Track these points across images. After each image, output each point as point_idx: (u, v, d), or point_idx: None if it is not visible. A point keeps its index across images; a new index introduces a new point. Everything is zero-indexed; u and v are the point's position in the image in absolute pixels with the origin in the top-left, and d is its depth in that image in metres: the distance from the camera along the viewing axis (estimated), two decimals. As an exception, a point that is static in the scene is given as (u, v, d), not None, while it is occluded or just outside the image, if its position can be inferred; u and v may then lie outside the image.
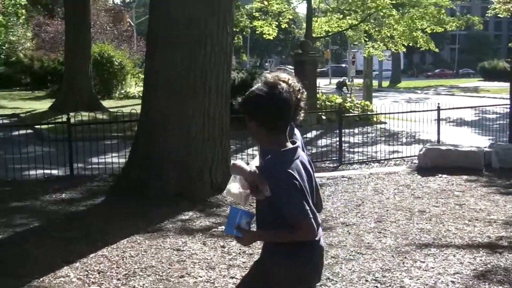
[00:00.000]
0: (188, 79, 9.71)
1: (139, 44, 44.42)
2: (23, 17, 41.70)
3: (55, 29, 40.05)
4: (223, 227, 6.56)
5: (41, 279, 6.20)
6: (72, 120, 11.96)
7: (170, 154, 9.70)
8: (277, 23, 30.49)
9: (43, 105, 26.35)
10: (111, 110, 22.69)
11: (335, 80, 60.00)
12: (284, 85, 3.40)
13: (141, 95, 11.41)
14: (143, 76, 12.11)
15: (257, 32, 31.87)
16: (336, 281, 6.06)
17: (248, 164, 3.58)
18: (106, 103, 25.94)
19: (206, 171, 9.76)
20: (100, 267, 6.53)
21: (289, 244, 3.39)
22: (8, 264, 6.71)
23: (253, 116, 3.41)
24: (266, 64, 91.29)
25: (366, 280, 6.07)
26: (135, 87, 32.83)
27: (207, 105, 9.81)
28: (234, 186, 3.56)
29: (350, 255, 6.83)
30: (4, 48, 40.42)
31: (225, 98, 10.16)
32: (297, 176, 3.30)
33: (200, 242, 7.38)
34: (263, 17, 30.81)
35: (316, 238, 3.46)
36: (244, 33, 37.58)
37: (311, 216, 3.32)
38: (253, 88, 3.45)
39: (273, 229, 3.40)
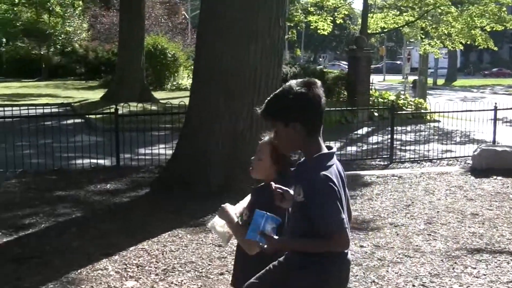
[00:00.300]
0: (237, 74, 9.51)
1: (193, 37, 44.37)
2: (80, 8, 42.34)
3: (111, 20, 40.44)
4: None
5: (79, 270, 6.11)
6: (120, 111, 11.91)
7: (217, 149, 9.55)
8: (332, 18, 30.09)
9: (96, 95, 26.59)
10: (162, 101, 22.72)
11: (389, 77, 59.47)
12: (318, 81, 3.17)
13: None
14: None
15: (311, 27, 31.58)
16: (381, 285, 5.82)
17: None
18: (157, 95, 26.02)
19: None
20: (139, 260, 6.42)
21: (314, 254, 3.11)
22: (48, 255, 6.64)
23: (294, 117, 3.11)
24: (320, 59, 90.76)
25: (413, 285, 5.82)
26: (187, 79, 32.84)
27: (256, 101, 9.53)
28: (220, 222, 3.51)
29: (397, 258, 6.57)
30: (60, 38, 41.01)
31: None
32: (335, 181, 3.05)
33: (242, 239, 7.19)
34: (318, 12, 30.44)
35: (345, 251, 3.19)
36: (298, 27, 37.27)
37: (347, 226, 3.05)
38: (287, 88, 3.15)
39: (302, 237, 3.10)
